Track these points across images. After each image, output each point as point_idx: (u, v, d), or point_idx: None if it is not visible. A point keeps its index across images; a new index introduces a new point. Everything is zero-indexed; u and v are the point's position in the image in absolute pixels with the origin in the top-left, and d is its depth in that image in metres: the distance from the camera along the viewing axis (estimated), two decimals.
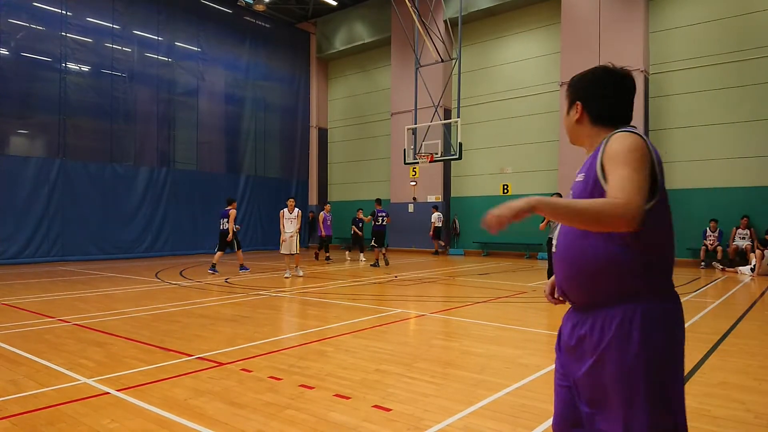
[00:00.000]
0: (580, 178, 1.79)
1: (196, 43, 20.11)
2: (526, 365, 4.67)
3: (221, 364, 4.70)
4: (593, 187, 1.70)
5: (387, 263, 15.04)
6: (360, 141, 24.19)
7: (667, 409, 1.66)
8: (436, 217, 19.27)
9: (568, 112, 1.93)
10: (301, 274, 11.91)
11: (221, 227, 13.27)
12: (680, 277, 12.14)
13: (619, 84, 1.84)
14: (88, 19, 16.90)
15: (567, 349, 1.83)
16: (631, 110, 1.86)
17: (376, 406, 3.62)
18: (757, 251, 12.46)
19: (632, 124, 1.86)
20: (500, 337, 5.85)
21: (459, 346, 5.48)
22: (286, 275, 11.63)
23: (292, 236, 11.73)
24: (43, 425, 3.29)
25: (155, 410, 3.54)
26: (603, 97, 1.85)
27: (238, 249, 13.46)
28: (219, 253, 12.96)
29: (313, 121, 25.07)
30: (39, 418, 3.40)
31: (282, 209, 11.93)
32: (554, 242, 1.87)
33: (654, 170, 1.65)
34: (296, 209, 11.95)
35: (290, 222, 11.75)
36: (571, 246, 1.77)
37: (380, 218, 15.39)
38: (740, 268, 13.04)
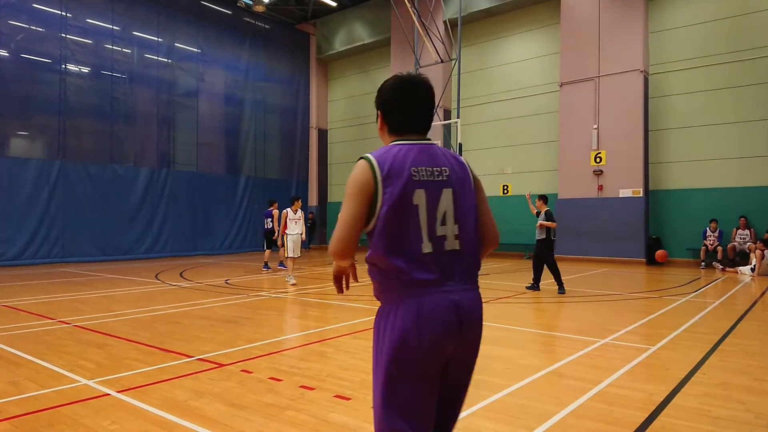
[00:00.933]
0: None
1: (195, 44, 20.12)
2: (527, 366, 4.67)
3: (221, 365, 4.70)
4: None
5: None
6: (360, 142, 24.18)
7: (378, 416, 1.81)
8: None
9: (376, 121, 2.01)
10: (292, 282, 10.84)
11: (265, 227, 14.26)
12: (680, 277, 12.14)
13: (404, 92, 1.89)
14: (87, 20, 16.91)
15: None
16: (423, 119, 1.92)
17: None
18: (758, 251, 12.45)
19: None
20: (500, 337, 5.85)
21: None
22: (290, 281, 10.78)
23: (296, 239, 10.92)
24: (43, 427, 3.29)
25: (155, 411, 3.54)
26: (392, 106, 1.91)
27: (282, 246, 13.66)
28: (267, 251, 14.00)
29: (313, 122, 25.08)
30: (39, 420, 3.40)
31: (285, 209, 11.21)
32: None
33: (376, 193, 1.75)
34: (300, 210, 11.19)
35: (295, 223, 10.96)
36: None
37: None
38: (740, 268, 13.04)
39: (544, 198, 9.85)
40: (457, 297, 1.78)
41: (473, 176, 1.99)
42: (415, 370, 1.74)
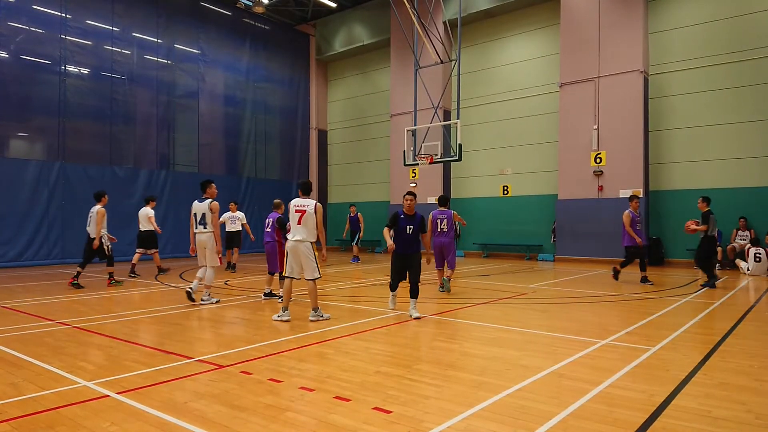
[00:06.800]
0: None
1: (195, 46, 20.12)
2: (527, 367, 4.67)
3: (221, 366, 4.70)
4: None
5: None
6: (360, 143, 24.19)
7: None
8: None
9: None
10: (214, 301, 8.30)
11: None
12: (681, 277, 12.13)
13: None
14: (87, 21, 16.92)
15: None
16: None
17: (376, 408, 3.61)
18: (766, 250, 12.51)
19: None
20: (501, 338, 5.84)
21: (459, 347, 5.47)
22: (201, 299, 8.15)
23: (202, 242, 8.04)
24: (42, 428, 3.29)
25: (155, 413, 3.54)
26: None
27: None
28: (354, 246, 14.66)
29: (313, 122, 25.08)
30: (39, 422, 3.40)
31: (193, 201, 8.53)
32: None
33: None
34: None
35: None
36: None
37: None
38: (741, 262, 13.04)
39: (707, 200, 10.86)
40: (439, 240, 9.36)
41: (450, 215, 9.31)
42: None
